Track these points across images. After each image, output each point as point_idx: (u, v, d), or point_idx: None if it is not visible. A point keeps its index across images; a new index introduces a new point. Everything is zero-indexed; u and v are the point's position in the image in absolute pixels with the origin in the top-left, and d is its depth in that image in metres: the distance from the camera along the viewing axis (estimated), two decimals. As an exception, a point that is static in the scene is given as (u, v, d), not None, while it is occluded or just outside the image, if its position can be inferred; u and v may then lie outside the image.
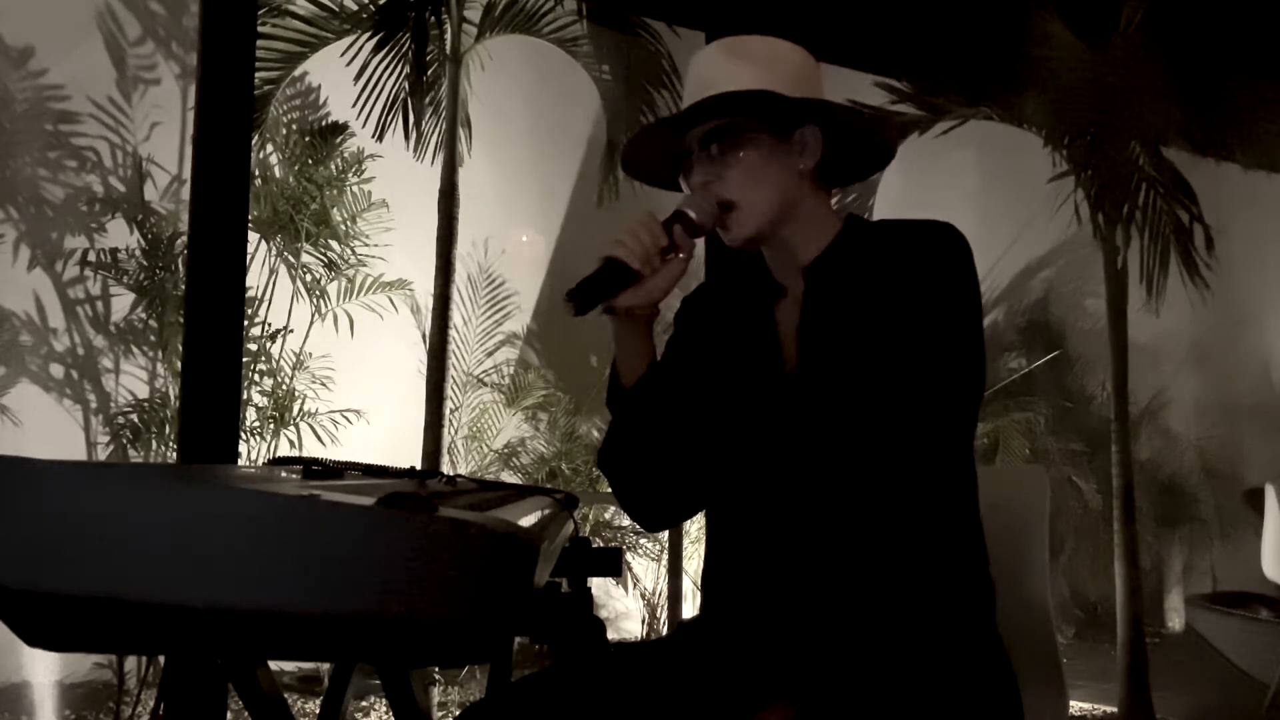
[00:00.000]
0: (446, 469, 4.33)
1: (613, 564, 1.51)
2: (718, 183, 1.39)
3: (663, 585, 4.89)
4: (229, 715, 2.72)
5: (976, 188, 6.38)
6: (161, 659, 3.43)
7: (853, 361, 1.31)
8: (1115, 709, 4.52)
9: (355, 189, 4.43)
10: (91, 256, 4.10)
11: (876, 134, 1.45)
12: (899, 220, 1.41)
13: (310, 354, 4.34)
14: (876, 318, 1.32)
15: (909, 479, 1.32)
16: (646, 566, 5.02)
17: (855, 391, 1.30)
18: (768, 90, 1.36)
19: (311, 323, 4.36)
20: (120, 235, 4.08)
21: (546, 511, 1.36)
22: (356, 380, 4.43)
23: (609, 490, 1.54)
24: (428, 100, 4.14)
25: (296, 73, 4.23)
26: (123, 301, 4.15)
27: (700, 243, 1.41)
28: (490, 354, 5.04)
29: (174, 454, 3.43)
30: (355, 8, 4.12)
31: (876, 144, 1.46)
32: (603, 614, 5.04)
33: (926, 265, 1.32)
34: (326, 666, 2.89)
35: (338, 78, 4.08)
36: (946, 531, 1.35)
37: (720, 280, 1.57)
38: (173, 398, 3.95)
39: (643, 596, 5.06)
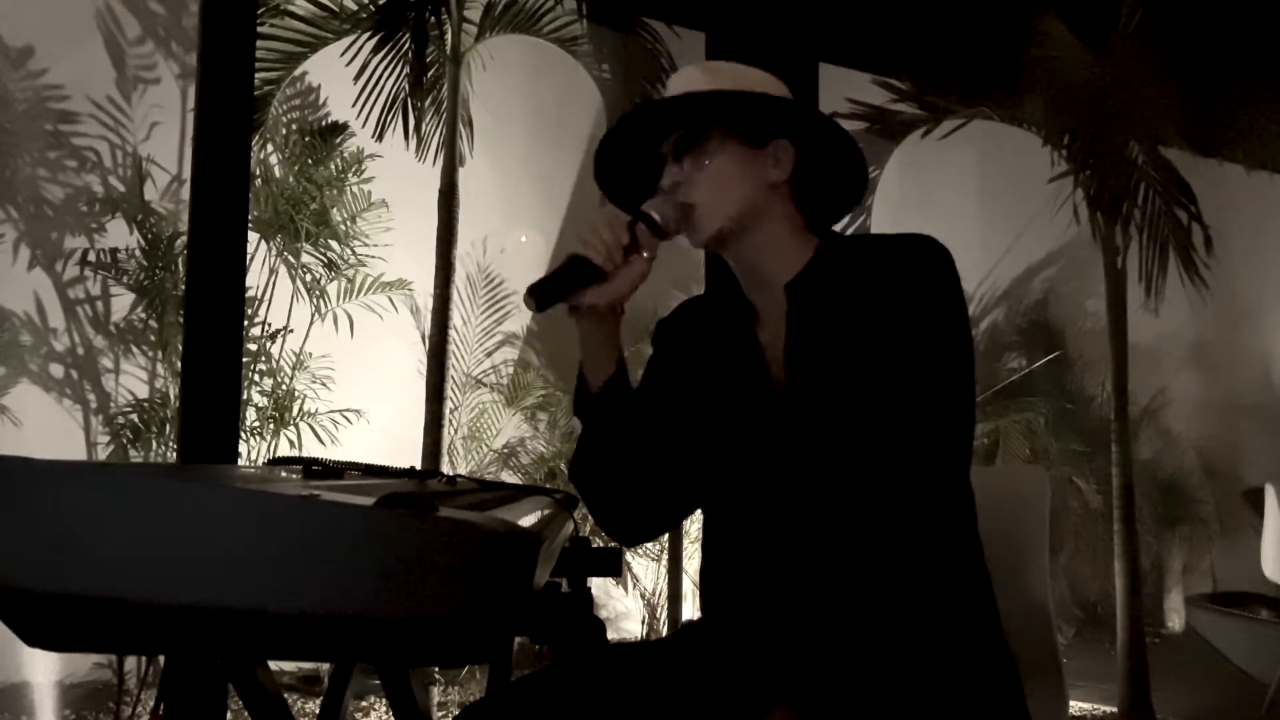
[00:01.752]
0: (446, 469, 4.33)
1: (613, 564, 1.51)
2: (683, 185, 1.39)
3: (663, 585, 4.89)
4: (229, 715, 2.72)
5: (976, 188, 6.38)
6: (161, 659, 3.43)
7: (845, 381, 1.31)
8: (1115, 709, 4.52)
9: (355, 189, 4.43)
10: (91, 256, 4.10)
11: (850, 155, 1.42)
12: (878, 235, 1.42)
13: (310, 354, 4.34)
14: (865, 336, 1.31)
15: (908, 490, 1.32)
16: (646, 566, 5.02)
17: (851, 411, 1.31)
18: (737, 90, 1.38)
19: (311, 323, 4.36)
20: (120, 235, 4.08)
21: (546, 511, 1.36)
22: (356, 380, 4.43)
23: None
24: (428, 100, 4.14)
25: (296, 73, 4.23)
26: (123, 301, 4.15)
27: (701, 254, 1.41)
28: (490, 354, 5.04)
29: (174, 454, 3.42)
30: (355, 8, 4.12)
31: (851, 167, 1.44)
32: (603, 614, 5.04)
33: (911, 281, 1.32)
34: (326, 666, 2.89)
35: (338, 78, 4.08)
36: (944, 538, 1.35)
37: (699, 301, 1.57)
38: (173, 398, 3.95)
39: (643, 596, 5.06)
